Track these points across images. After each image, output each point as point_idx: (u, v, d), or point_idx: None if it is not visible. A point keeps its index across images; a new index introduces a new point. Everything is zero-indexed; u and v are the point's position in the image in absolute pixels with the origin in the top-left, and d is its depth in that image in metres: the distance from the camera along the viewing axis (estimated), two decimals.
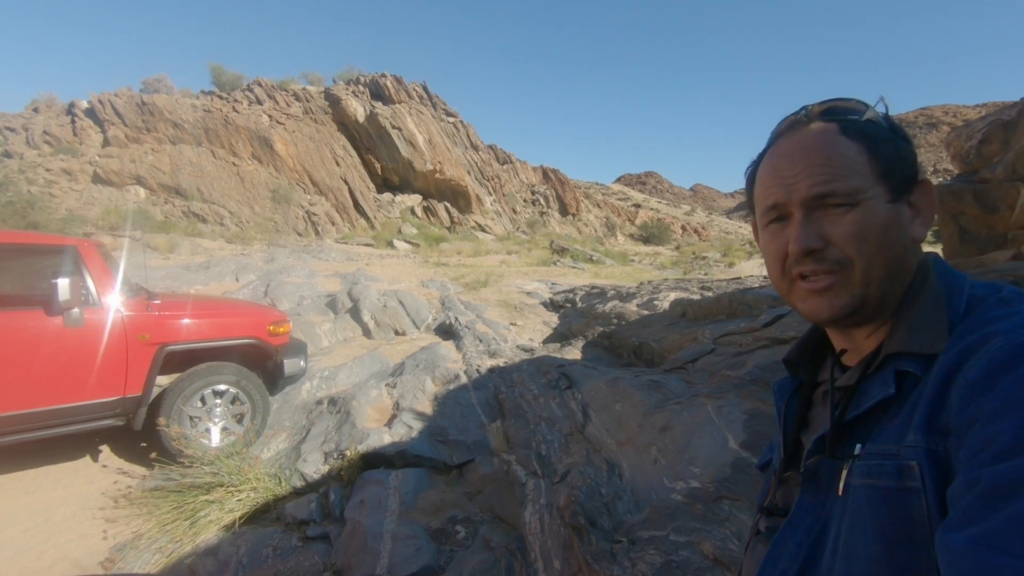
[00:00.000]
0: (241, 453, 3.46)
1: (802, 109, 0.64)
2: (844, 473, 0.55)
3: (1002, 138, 3.26)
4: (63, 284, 3.08)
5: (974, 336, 0.49)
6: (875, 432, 0.55)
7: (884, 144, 0.59)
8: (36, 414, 3.18)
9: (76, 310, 3.23)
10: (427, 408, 4.30)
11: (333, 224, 21.05)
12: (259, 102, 23.84)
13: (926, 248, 0.65)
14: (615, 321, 6.35)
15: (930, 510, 0.45)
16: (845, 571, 0.50)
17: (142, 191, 18.98)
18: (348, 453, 3.50)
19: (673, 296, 7.12)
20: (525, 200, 31.89)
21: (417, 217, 24.43)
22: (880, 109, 0.62)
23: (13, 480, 3.49)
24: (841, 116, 0.61)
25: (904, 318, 0.58)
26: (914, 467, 0.47)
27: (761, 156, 0.67)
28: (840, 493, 0.54)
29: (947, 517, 0.42)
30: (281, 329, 4.23)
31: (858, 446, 0.55)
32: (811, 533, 0.57)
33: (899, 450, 0.49)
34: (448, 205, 25.53)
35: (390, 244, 19.41)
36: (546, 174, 35.49)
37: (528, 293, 10.17)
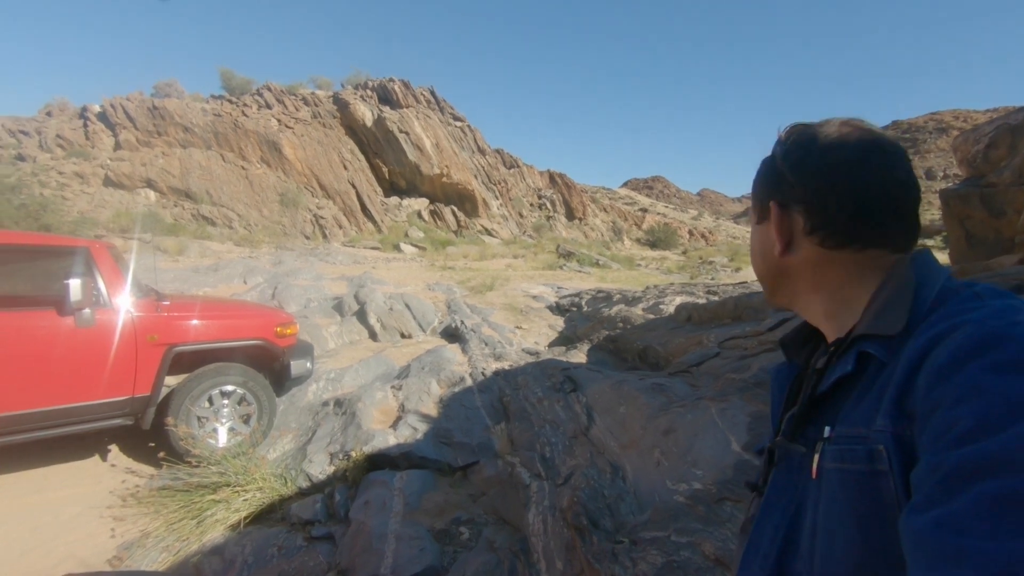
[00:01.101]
0: (247, 453, 3.49)
1: None
2: (816, 456, 0.56)
3: (1009, 142, 3.24)
4: (75, 285, 3.12)
5: (944, 325, 0.50)
6: (841, 414, 0.57)
7: (756, 177, 0.73)
8: (47, 413, 3.22)
9: (87, 310, 3.27)
10: (432, 410, 4.32)
11: (340, 227, 21.17)
12: (268, 106, 24.05)
13: (936, 253, 0.67)
14: (620, 325, 6.35)
15: (898, 493, 0.47)
16: (824, 553, 0.52)
17: (152, 194, 19.18)
18: (353, 454, 3.52)
19: (679, 300, 7.11)
20: (531, 204, 31.93)
21: (424, 221, 24.52)
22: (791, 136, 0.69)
23: (22, 478, 3.53)
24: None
25: (873, 305, 0.60)
26: (882, 451, 0.48)
27: None
28: (814, 476, 0.56)
29: (911, 501, 0.43)
30: (288, 331, 4.26)
31: (827, 428, 0.57)
32: (787, 515, 0.60)
33: (868, 433, 0.51)
34: (455, 209, 25.61)
35: (397, 247, 19.49)
36: (553, 178, 35.53)
37: (534, 297, 10.18)
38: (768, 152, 0.72)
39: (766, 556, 0.60)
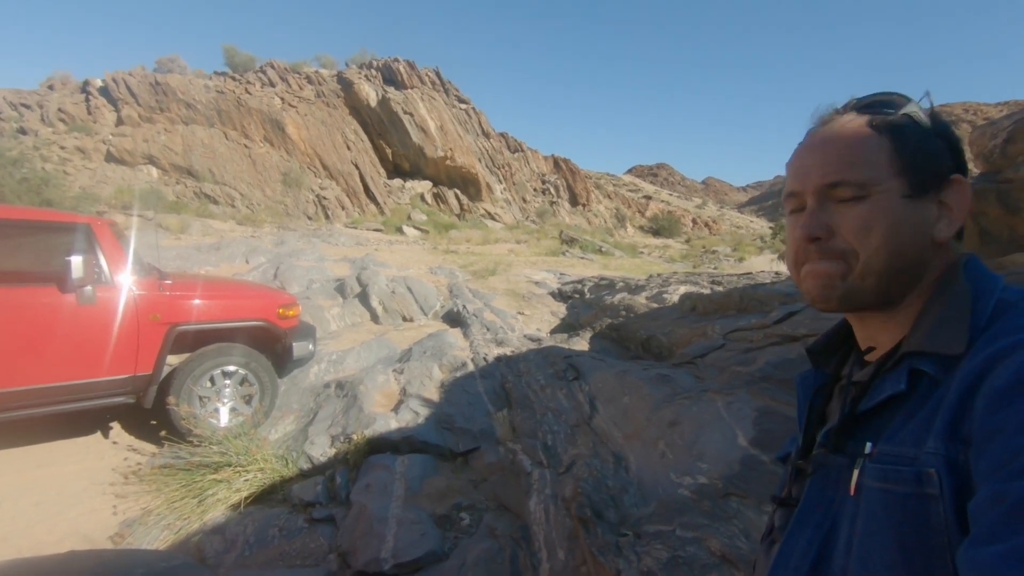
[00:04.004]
0: (249, 434, 3.49)
1: (842, 104, 0.65)
2: (856, 472, 0.54)
3: None
4: (76, 262, 3.10)
5: (1002, 343, 0.47)
6: (887, 431, 0.54)
7: (911, 139, 0.59)
8: (49, 389, 3.22)
9: (89, 288, 3.25)
10: (434, 395, 4.31)
11: (343, 209, 21.09)
12: (272, 84, 23.81)
13: None
14: (623, 313, 6.33)
15: (947, 518, 0.45)
16: (860, 573, 0.50)
17: (154, 171, 19.09)
18: (355, 437, 3.52)
19: (683, 290, 7.08)
20: (535, 189, 31.74)
21: (427, 204, 24.40)
22: (925, 104, 0.61)
23: (26, 454, 3.54)
24: (875, 110, 0.61)
25: (926, 317, 0.57)
26: (932, 474, 0.46)
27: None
28: (852, 492, 0.54)
29: (971, 532, 0.41)
30: (290, 312, 4.24)
31: (868, 444, 0.54)
32: (821, 530, 0.58)
33: (918, 455, 0.48)
34: (458, 192, 25.47)
35: (399, 230, 19.43)
36: (557, 163, 35.26)
37: (536, 283, 10.15)
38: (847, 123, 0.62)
39: (796, 569, 0.58)
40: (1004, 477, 0.40)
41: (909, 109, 0.60)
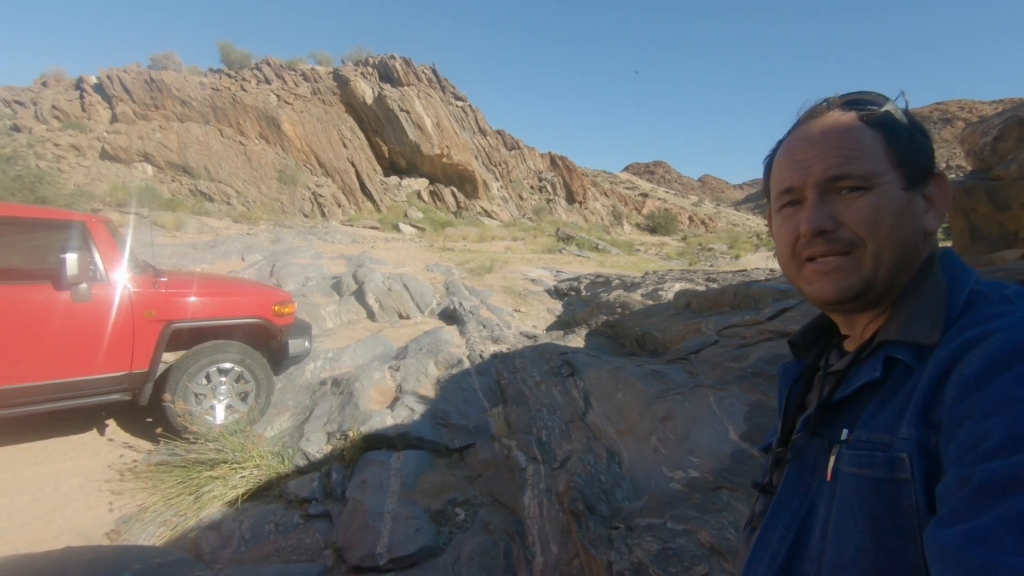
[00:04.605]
0: (245, 431, 3.50)
1: (823, 100, 0.65)
2: (832, 458, 0.56)
3: (1018, 135, 3.20)
4: (71, 259, 3.10)
5: (973, 332, 0.49)
6: (862, 418, 0.56)
7: (901, 134, 0.60)
8: (44, 387, 3.22)
9: (84, 285, 3.25)
10: (429, 392, 4.33)
11: (339, 206, 21.03)
12: (267, 81, 23.69)
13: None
14: (619, 310, 6.35)
15: (918, 502, 0.46)
16: (835, 557, 0.52)
17: (149, 168, 18.99)
18: (350, 434, 3.53)
19: (678, 287, 7.10)
20: (532, 187, 31.72)
21: (423, 201, 24.36)
22: (900, 103, 0.63)
23: (22, 451, 3.54)
24: (861, 106, 0.62)
25: (902, 307, 0.58)
26: (905, 459, 0.48)
27: (780, 143, 0.68)
28: (828, 478, 0.56)
29: (938, 514, 0.43)
30: (286, 309, 4.25)
31: (844, 431, 0.56)
32: (798, 515, 0.59)
33: (892, 441, 0.50)
34: (455, 190, 25.43)
35: (396, 228, 19.40)
36: (554, 161, 35.22)
37: (532, 280, 10.16)
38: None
39: (775, 555, 0.59)
40: (970, 461, 0.41)
41: (889, 107, 0.61)
